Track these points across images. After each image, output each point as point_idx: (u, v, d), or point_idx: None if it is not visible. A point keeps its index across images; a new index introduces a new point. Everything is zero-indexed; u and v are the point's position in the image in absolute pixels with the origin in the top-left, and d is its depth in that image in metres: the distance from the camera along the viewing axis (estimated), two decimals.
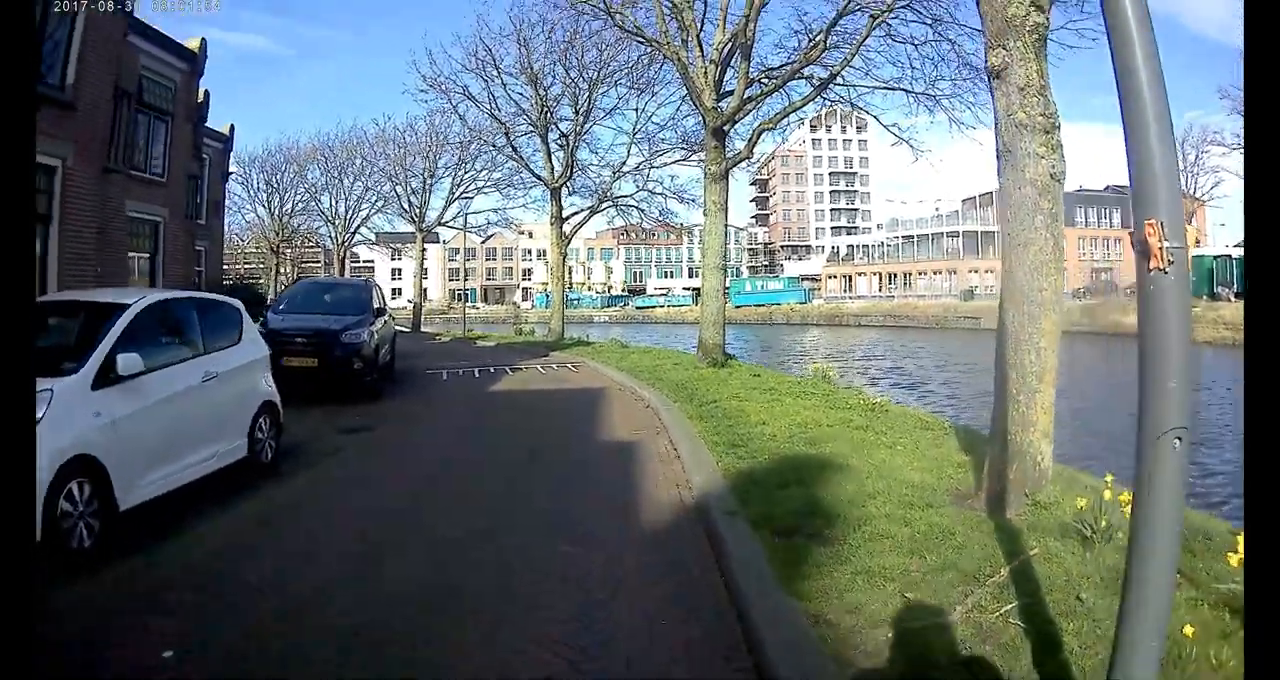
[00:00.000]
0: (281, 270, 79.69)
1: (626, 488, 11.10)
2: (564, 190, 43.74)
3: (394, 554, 8.18)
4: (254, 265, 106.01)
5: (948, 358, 54.29)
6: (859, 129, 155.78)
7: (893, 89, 25.84)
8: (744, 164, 27.20)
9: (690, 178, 56.25)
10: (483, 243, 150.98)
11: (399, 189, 59.84)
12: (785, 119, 26.05)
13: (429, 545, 8.45)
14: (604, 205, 44.94)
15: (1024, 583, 6.34)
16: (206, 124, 33.46)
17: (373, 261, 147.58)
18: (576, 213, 45.49)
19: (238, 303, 12.76)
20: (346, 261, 74.27)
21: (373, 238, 75.87)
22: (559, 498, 10.60)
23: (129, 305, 9.50)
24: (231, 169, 48.93)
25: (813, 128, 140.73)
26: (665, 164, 42.98)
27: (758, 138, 25.34)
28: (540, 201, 52.07)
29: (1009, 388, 8.41)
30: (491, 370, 27.73)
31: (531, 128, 42.07)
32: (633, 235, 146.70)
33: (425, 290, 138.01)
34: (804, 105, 25.22)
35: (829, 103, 27.52)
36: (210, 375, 10.65)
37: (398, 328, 64.73)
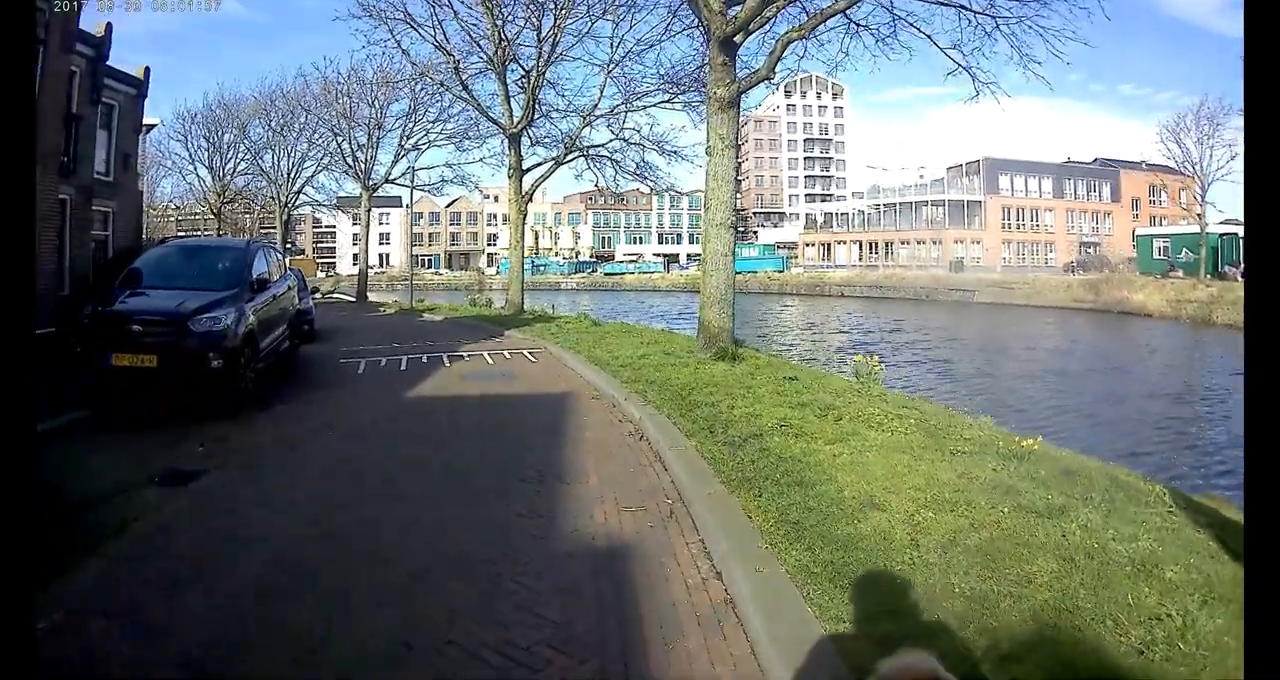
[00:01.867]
0: (224, 235, 74.70)
1: None
2: (525, 138, 37.90)
3: None
4: (197, 231, 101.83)
5: (984, 343, 48.25)
6: (834, 95, 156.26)
7: (946, 3, 19.60)
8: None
9: (671, 125, 49.05)
10: (447, 207, 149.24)
11: (344, 144, 54.37)
12: (819, 26, 19.35)
13: None
14: (571, 155, 38.53)
15: None
16: (109, 63, 28.38)
17: (334, 227, 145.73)
18: (539, 164, 39.52)
19: None
20: (289, 224, 68.77)
21: (320, 199, 69.37)
22: None
23: None
24: (150, 121, 40.81)
25: (787, 93, 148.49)
26: (645, 107, 36.84)
27: (784, 49, 18.74)
28: (498, 155, 45.72)
29: None
30: (424, 359, 21.63)
31: (487, 65, 35.83)
32: (601, 199, 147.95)
33: (381, 257, 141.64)
34: (847, 8, 18.47)
35: (856, 26, 21.06)
36: None
37: (341, 296, 60.50)
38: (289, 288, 19.77)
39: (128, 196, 31.54)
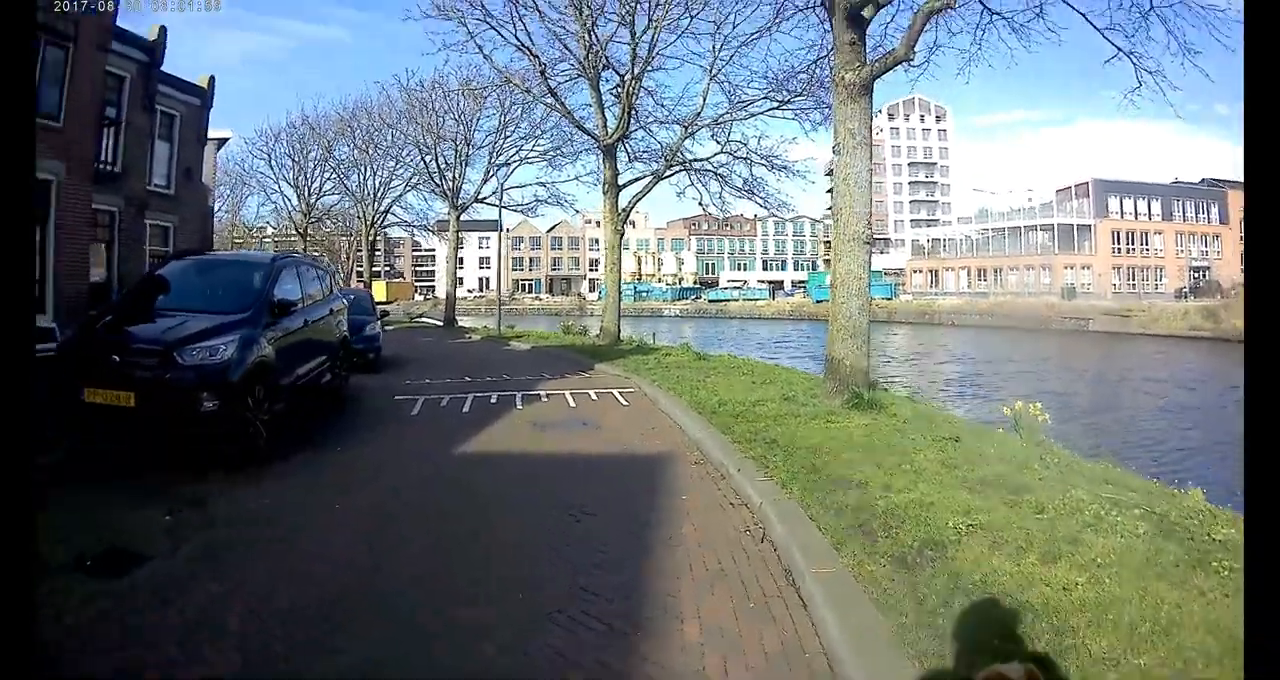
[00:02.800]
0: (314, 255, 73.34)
1: None
2: (622, 153, 34.50)
3: None
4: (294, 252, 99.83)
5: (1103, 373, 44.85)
6: (938, 118, 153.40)
7: None
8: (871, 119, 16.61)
9: (781, 137, 45.28)
10: (548, 231, 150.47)
11: (430, 161, 51.56)
12: None
13: None
14: (672, 170, 34.95)
15: None
16: (163, 69, 26.98)
17: (434, 250, 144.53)
18: (637, 179, 35.89)
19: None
20: (377, 245, 66.82)
21: (408, 219, 66.97)
22: None
23: None
24: (220, 134, 40.91)
25: (890, 116, 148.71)
26: (752, 115, 33.27)
27: (924, 23, 15.02)
28: (593, 172, 42.98)
29: None
30: (494, 399, 18.30)
31: (578, 72, 32.64)
32: (705, 225, 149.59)
33: (481, 281, 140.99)
34: None
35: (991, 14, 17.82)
36: None
37: (429, 320, 57.82)
38: (332, 311, 16.94)
39: (192, 210, 30.44)
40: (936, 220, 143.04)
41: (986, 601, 6.28)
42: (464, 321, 63.19)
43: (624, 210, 34.27)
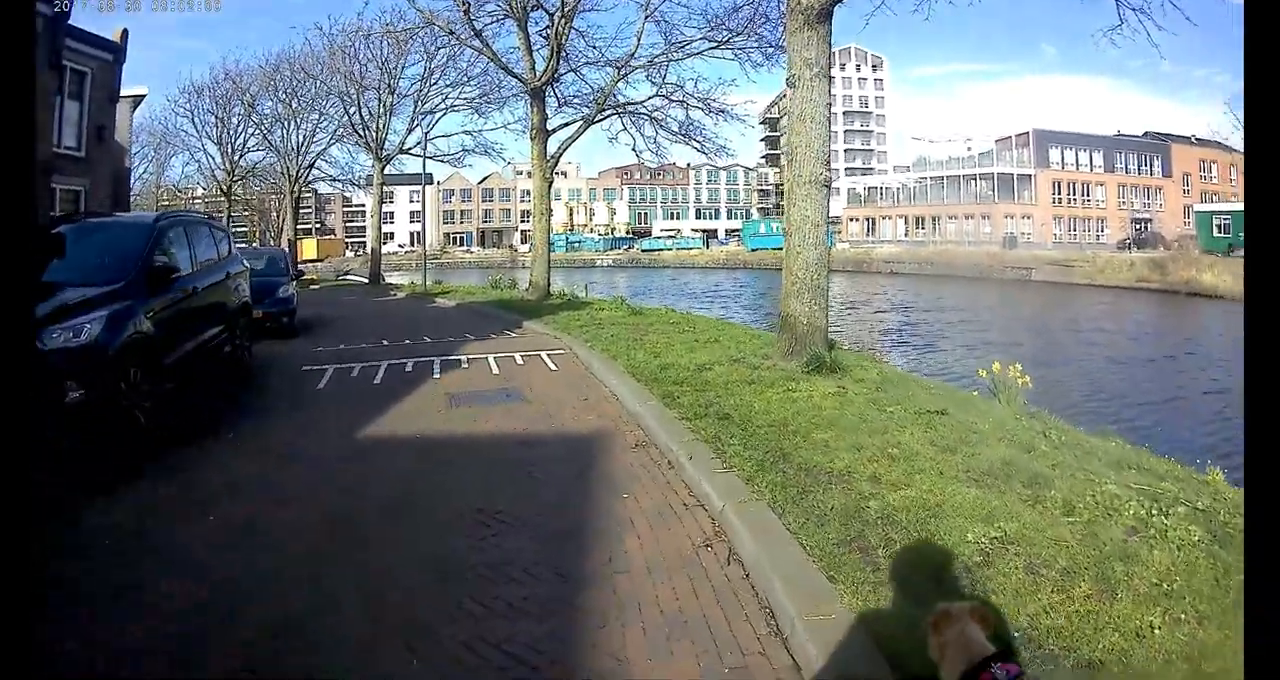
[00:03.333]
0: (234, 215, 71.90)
1: None
2: (550, 95, 32.44)
3: None
4: (205, 211, 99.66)
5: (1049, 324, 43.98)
6: (874, 67, 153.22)
7: None
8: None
9: (721, 78, 43.20)
10: (479, 183, 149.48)
11: (353, 112, 49.66)
12: None
13: None
14: (603, 114, 32.92)
15: None
16: (74, 24, 25.56)
17: (364, 205, 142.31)
18: (566, 125, 33.84)
19: None
20: (304, 201, 64.80)
21: (334, 174, 64.49)
22: None
23: None
24: (137, 90, 38.96)
25: None
26: (691, 55, 31.36)
27: None
28: (522, 122, 41.20)
29: None
30: (409, 367, 16.37)
31: (505, 13, 30.39)
32: (637, 174, 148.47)
33: (412, 235, 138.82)
34: None
35: None
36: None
37: (356, 278, 55.87)
38: (229, 275, 15.28)
39: (104, 173, 29.21)
40: (872, 169, 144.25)
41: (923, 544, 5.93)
42: (393, 278, 61.17)
43: (553, 157, 32.14)
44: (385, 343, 20.37)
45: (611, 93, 32.13)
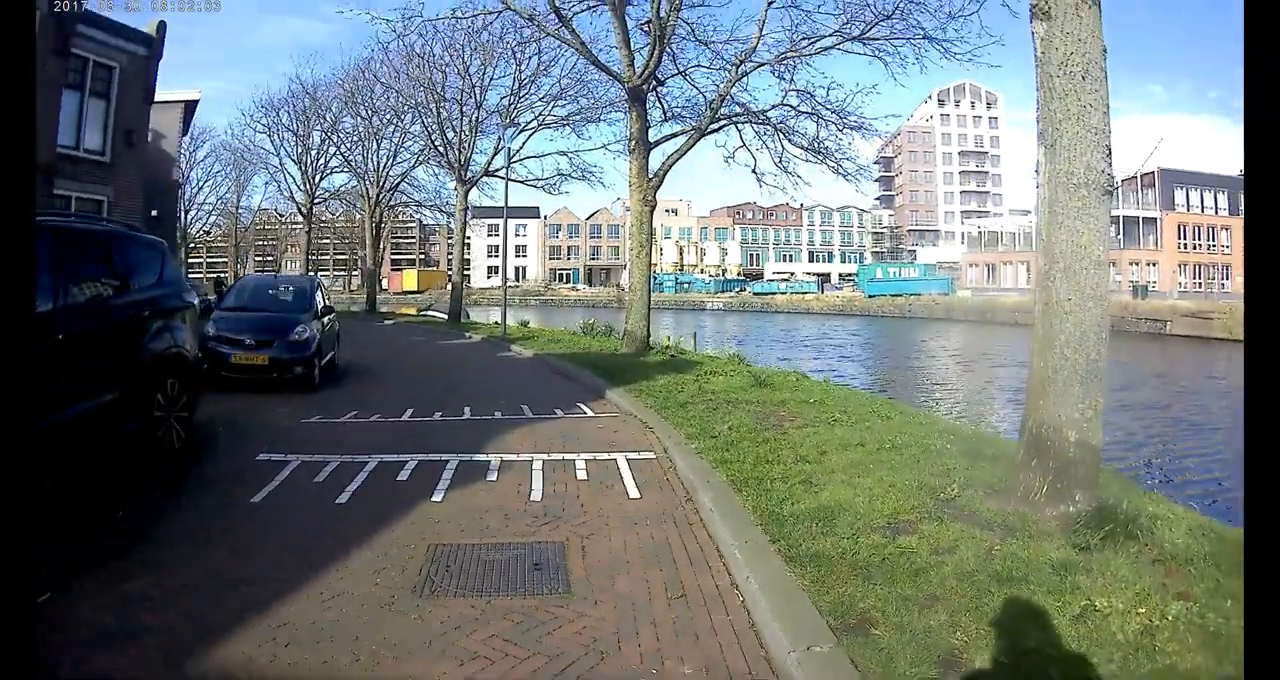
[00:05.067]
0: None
1: None
2: (652, 103, 26.50)
3: None
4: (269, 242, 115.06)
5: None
6: (989, 105, 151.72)
7: None
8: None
9: (857, 80, 36.53)
10: (587, 219, 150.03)
11: (431, 125, 44.89)
12: None
13: None
14: (717, 124, 26.52)
15: None
16: (94, 11, 22.99)
17: (468, 238, 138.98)
18: (672, 136, 27.48)
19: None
20: (384, 227, 60.78)
21: (419, 198, 59.67)
22: None
23: None
24: (185, 95, 38.15)
25: (940, 102, 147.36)
26: (826, 49, 25.00)
27: None
28: (621, 144, 35.26)
29: None
30: (406, 472, 10.46)
31: None
32: (750, 214, 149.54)
33: (518, 270, 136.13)
34: None
35: None
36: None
37: (436, 314, 51.32)
38: (150, 314, 10.80)
39: (132, 181, 26.36)
40: (987, 212, 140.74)
41: None
42: (480, 316, 56.35)
43: (656, 174, 25.73)
44: (408, 415, 14.90)
45: (727, 95, 25.77)
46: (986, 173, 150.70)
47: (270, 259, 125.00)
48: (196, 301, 12.41)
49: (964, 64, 23.80)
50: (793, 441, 11.17)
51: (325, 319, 20.36)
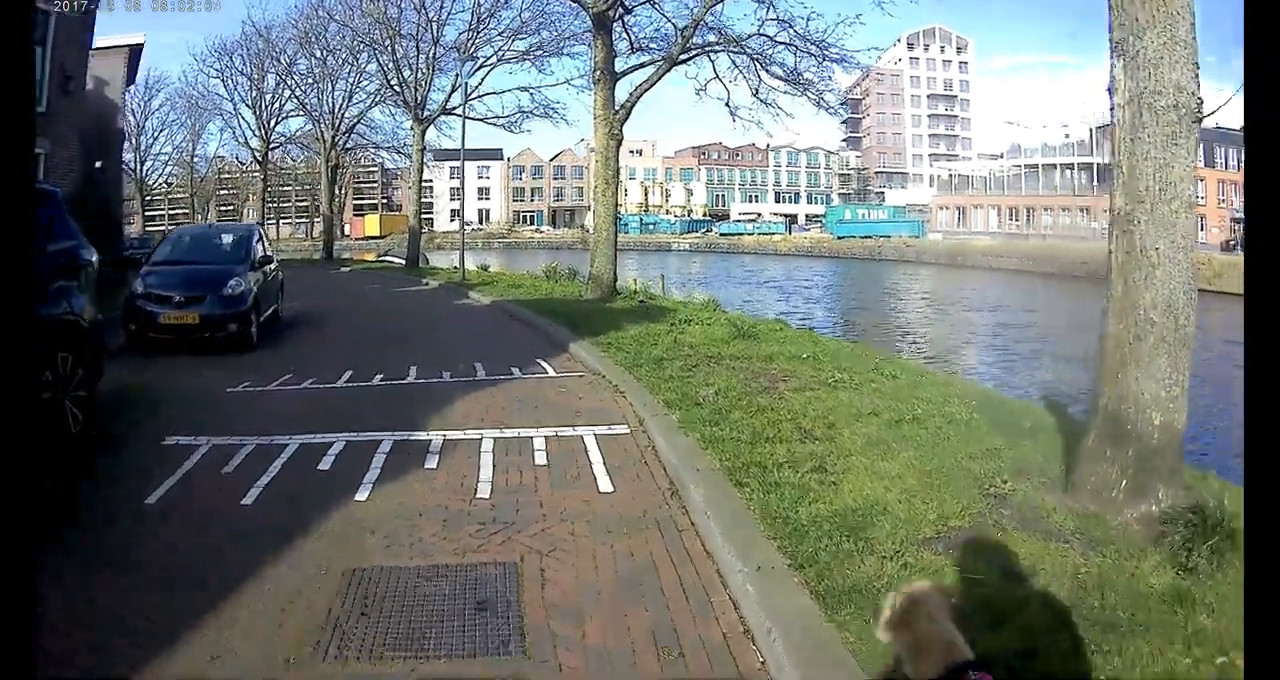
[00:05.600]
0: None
1: None
2: (619, 29, 24.42)
3: None
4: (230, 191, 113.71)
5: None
6: (959, 50, 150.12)
7: None
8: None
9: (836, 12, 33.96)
10: (550, 160, 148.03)
11: (385, 62, 42.94)
12: None
13: None
14: (688, 54, 24.47)
15: None
16: None
17: (430, 181, 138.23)
18: (641, 65, 25.44)
19: None
20: (344, 171, 59.13)
21: (376, 140, 57.74)
22: None
23: None
24: (129, 39, 36.69)
25: (910, 45, 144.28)
26: None
27: None
28: (586, 78, 32.61)
29: None
30: (332, 454, 8.72)
31: None
32: (715, 155, 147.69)
33: (481, 212, 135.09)
34: None
35: None
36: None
37: (393, 259, 49.80)
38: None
39: (70, 132, 25.18)
40: (956, 155, 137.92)
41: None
42: (441, 260, 53.93)
43: (623, 105, 23.89)
44: (345, 379, 13.25)
45: (701, 22, 23.62)
46: (955, 116, 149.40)
47: (230, 208, 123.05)
48: (95, 259, 10.69)
49: None
50: (793, 409, 9.53)
51: (266, 269, 18.86)
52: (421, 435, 9.40)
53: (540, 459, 8.58)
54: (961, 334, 35.28)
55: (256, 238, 19.45)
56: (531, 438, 9.27)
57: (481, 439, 9.19)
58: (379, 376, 13.24)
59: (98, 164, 29.19)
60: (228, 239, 19.36)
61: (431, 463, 8.46)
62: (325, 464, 8.45)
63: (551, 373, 13.53)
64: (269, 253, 19.97)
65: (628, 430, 9.67)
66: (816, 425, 8.80)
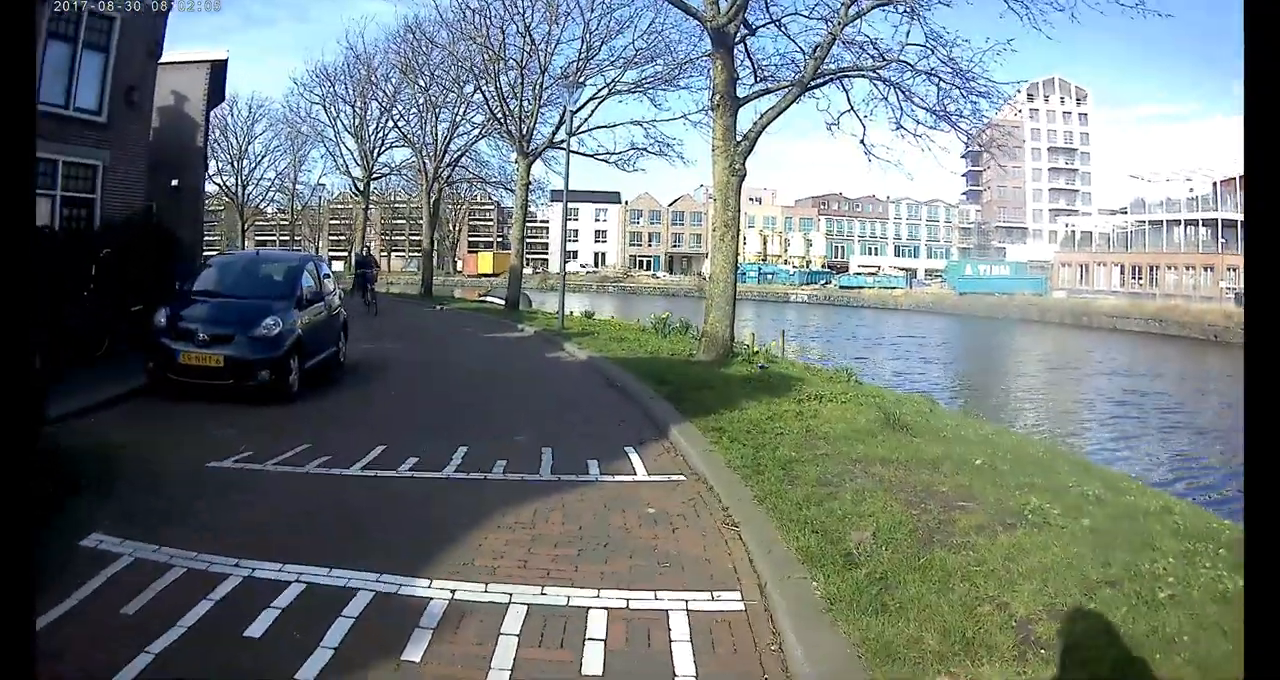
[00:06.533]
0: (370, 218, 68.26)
1: None
2: (741, 54, 21.29)
3: None
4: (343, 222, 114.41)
5: None
6: (1078, 101, 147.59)
7: None
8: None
9: (990, 36, 27.56)
10: (669, 205, 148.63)
11: (488, 89, 40.68)
12: None
13: None
14: (819, 80, 20.74)
15: None
16: None
17: (546, 221, 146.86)
18: (766, 93, 21.76)
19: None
20: (441, 205, 58.13)
21: (483, 174, 55.28)
22: None
23: None
24: (212, 55, 33.68)
25: (1029, 97, 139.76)
26: None
27: None
28: (704, 114, 29.61)
29: None
30: (268, 616, 5.59)
31: None
32: (835, 205, 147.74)
33: (597, 255, 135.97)
34: None
35: None
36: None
37: (494, 300, 47.17)
38: None
39: (134, 147, 23.29)
40: (1076, 210, 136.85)
41: None
42: (551, 302, 50.86)
43: (746, 136, 20.45)
44: (369, 459, 10.33)
45: (836, 38, 19.77)
46: (1076, 170, 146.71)
47: (342, 237, 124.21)
48: None
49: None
50: (994, 572, 6.14)
51: (319, 307, 16.40)
52: (420, 586, 6.25)
53: (591, 660, 5.25)
54: (1145, 426, 30.32)
55: (310, 270, 17.00)
56: (586, 610, 5.91)
57: (508, 605, 5.91)
58: (411, 460, 10.21)
59: (174, 182, 27.83)
60: (274, 270, 16.93)
61: (415, 649, 5.28)
62: (258, 626, 5.55)
63: (640, 474, 10.17)
64: (326, 288, 17.70)
65: (741, 606, 6.24)
66: (1037, 615, 5.46)
